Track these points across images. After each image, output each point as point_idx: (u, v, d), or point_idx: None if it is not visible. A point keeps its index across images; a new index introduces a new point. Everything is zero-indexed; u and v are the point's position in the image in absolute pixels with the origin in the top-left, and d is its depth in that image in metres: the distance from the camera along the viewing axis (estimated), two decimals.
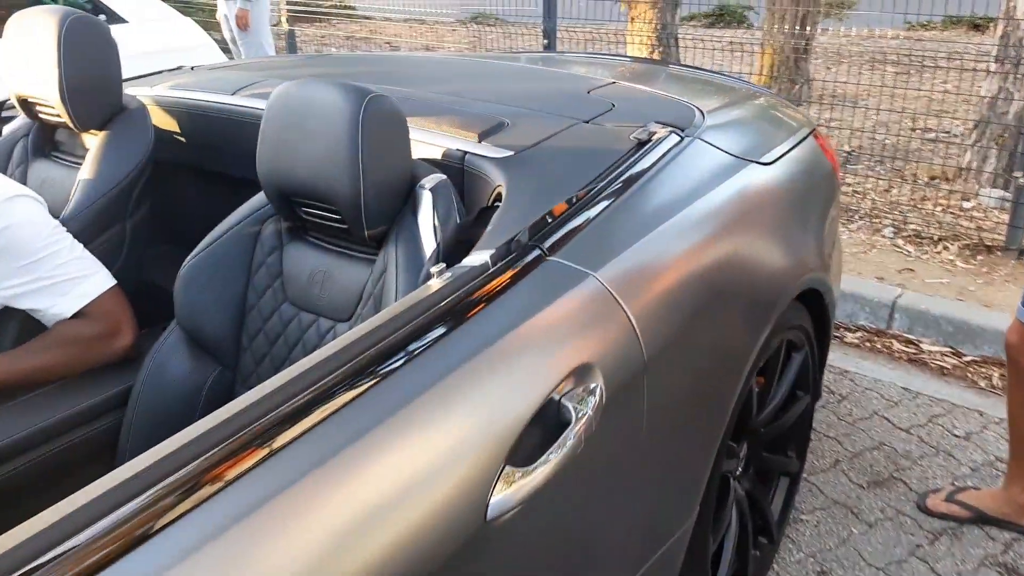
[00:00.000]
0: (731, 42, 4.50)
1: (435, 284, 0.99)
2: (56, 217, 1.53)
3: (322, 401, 0.84)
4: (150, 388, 1.40)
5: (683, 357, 1.24)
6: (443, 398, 0.89)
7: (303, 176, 1.26)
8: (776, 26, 4.94)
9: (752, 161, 1.55)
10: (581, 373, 1.03)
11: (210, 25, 5.59)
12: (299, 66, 2.33)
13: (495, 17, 8.71)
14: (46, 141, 1.82)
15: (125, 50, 3.21)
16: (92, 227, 1.57)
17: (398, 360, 0.90)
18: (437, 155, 1.43)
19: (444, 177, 1.29)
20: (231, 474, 0.75)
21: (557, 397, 0.99)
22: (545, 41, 4.58)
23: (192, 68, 2.33)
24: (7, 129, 1.86)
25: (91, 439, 1.40)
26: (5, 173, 1.79)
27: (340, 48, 8.14)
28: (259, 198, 1.42)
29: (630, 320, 1.11)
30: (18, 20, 1.64)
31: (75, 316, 1.45)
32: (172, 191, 1.93)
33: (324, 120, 1.22)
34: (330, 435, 0.82)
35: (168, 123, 1.89)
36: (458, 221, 1.25)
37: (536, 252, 1.10)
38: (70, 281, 1.45)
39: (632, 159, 1.36)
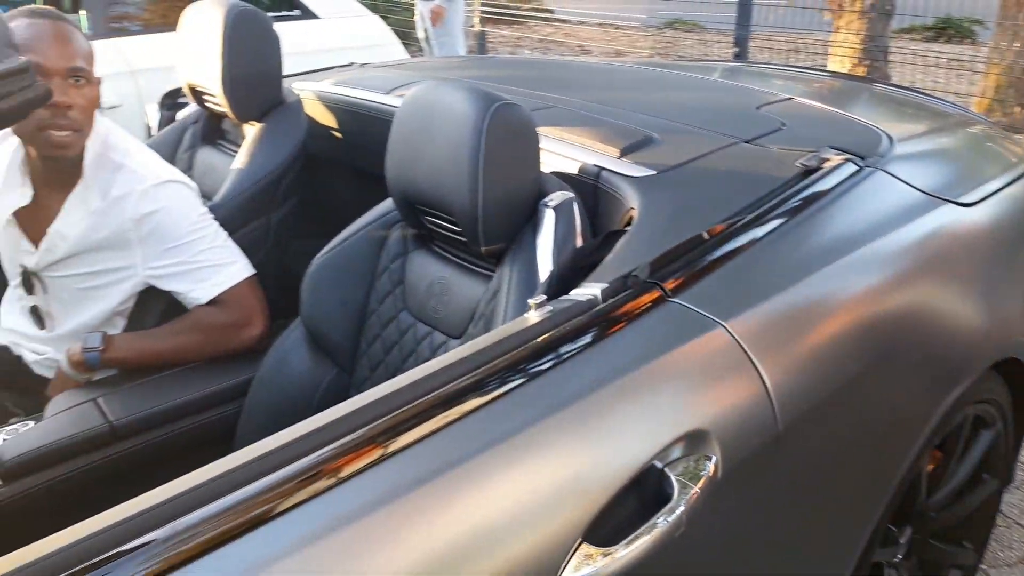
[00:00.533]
0: (949, 59, 4.01)
1: (532, 318, 0.88)
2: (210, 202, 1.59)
3: (393, 433, 0.76)
4: (269, 381, 1.41)
5: (831, 430, 1.05)
6: (519, 450, 0.78)
7: (425, 184, 1.20)
8: (1006, 43, 4.35)
9: (948, 200, 1.30)
10: (693, 440, 0.88)
11: (412, 24, 5.81)
12: (461, 67, 2.31)
13: (691, 23, 8.42)
14: (213, 129, 1.90)
15: (314, 45, 3.40)
16: (239, 217, 1.60)
17: (475, 399, 0.80)
18: (573, 170, 1.32)
19: (571, 195, 1.18)
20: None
21: (659, 465, 0.85)
22: (736, 50, 4.32)
23: (361, 65, 2.37)
24: (180, 115, 1.96)
25: (210, 424, 1.42)
26: (175, 157, 1.90)
27: (532, 51, 8.21)
28: (389, 202, 1.38)
29: (764, 382, 0.94)
30: (192, 11, 1.71)
31: (211, 303, 1.48)
32: (324, 185, 1.95)
33: (448, 126, 1.14)
34: (394, 471, 0.74)
35: (326, 118, 1.91)
36: (579, 244, 1.14)
37: (656, 291, 0.96)
38: (210, 268, 1.49)
39: (793, 189, 1.18)
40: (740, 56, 4.36)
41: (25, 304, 1.60)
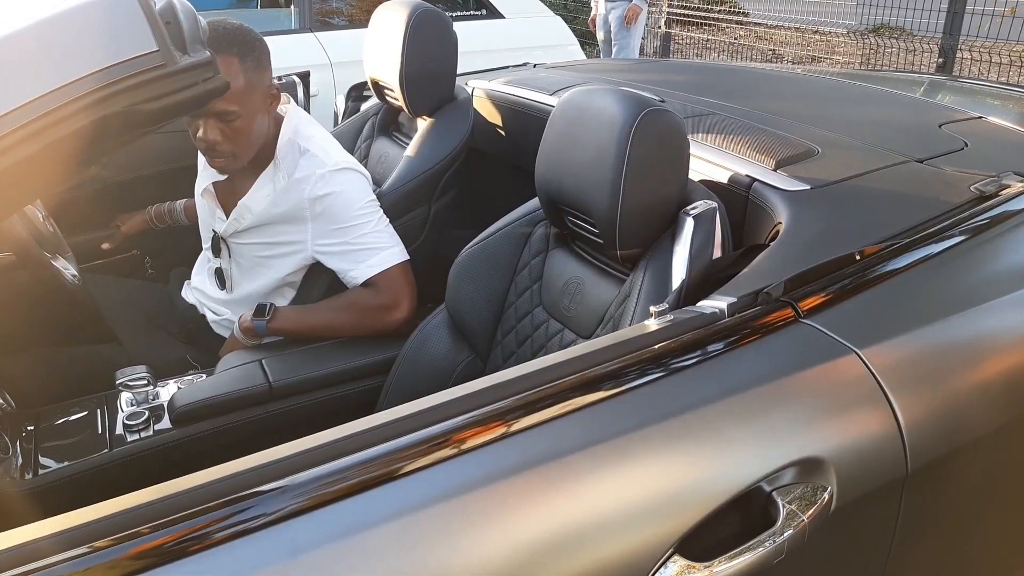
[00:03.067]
0: None
1: (651, 325, 0.88)
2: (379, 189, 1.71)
3: (511, 415, 0.80)
4: (411, 359, 1.49)
5: (966, 481, 0.96)
6: (620, 453, 0.79)
7: (570, 184, 1.22)
8: None
9: None
10: (808, 468, 0.84)
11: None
12: (630, 70, 2.30)
13: (898, 28, 7.85)
14: (390, 121, 2.03)
15: (497, 43, 3.51)
16: (402, 204, 1.71)
17: (583, 397, 0.82)
18: (724, 179, 1.29)
19: (714, 205, 1.16)
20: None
21: (767, 488, 0.82)
22: (940, 60, 3.97)
23: (534, 65, 2.43)
24: (364, 107, 2.11)
25: (356, 395, 1.53)
26: (355, 146, 2.04)
27: (720, 54, 7.98)
28: (536, 200, 1.41)
29: (896, 419, 0.89)
30: (382, 10, 1.84)
31: (366, 285, 1.60)
32: (483, 178, 2.03)
33: (596, 130, 1.16)
34: (508, 451, 0.78)
35: (492, 115, 1.98)
36: (716, 256, 1.11)
37: (788, 310, 0.92)
38: (369, 251, 1.60)
39: (962, 215, 1.09)
40: (943, 68, 4.01)
41: (212, 266, 1.80)
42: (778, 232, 1.12)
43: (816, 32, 8.04)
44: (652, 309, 0.89)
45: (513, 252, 1.43)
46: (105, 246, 2.10)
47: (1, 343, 1.58)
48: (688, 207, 1.16)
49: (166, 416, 1.42)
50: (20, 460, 1.32)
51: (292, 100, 1.72)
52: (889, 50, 6.19)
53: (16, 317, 1.59)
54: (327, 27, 3.26)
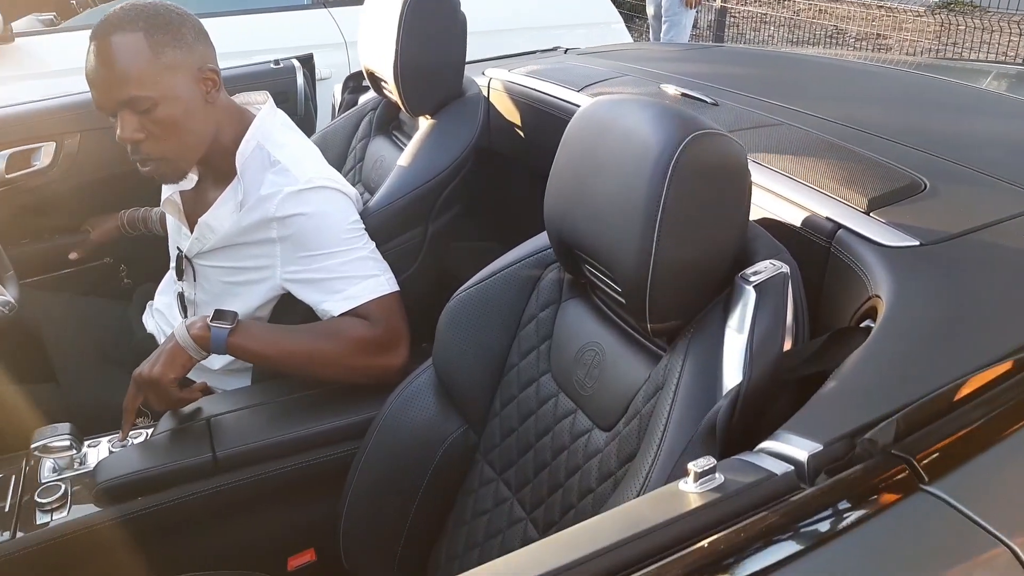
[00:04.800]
0: None
1: (690, 493, 0.57)
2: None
3: None
4: (390, 425, 1.20)
5: None
6: None
7: (585, 227, 0.91)
8: None
9: None
10: None
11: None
12: (677, 59, 1.94)
13: (970, 4, 7.26)
14: (390, 118, 1.73)
15: (527, 20, 3.17)
16: (390, 226, 1.40)
17: None
18: (796, 221, 0.96)
19: (784, 269, 0.83)
20: None
21: None
22: None
23: (566, 51, 2.09)
24: (363, 99, 1.81)
25: (317, 466, 1.25)
26: (350, 145, 1.75)
27: (779, 29, 7.47)
28: (545, 236, 1.10)
29: None
30: None
31: (354, 316, 1.30)
32: (497, 184, 1.72)
33: (623, 158, 0.84)
34: None
35: (509, 111, 1.67)
36: (787, 347, 0.79)
37: (902, 469, 0.60)
38: (345, 280, 1.30)
39: None
40: None
41: (177, 289, 1.53)
42: (875, 310, 0.79)
43: (881, 7, 7.49)
44: (692, 467, 0.57)
45: (517, 299, 1.13)
46: (73, 256, 1.85)
47: None
48: (747, 270, 0.84)
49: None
50: None
51: (270, 98, 1.43)
52: (960, 28, 5.65)
53: None
54: (342, 2, 2.94)
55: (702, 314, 0.85)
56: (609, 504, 0.84)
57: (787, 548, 0.54)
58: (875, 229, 0.89)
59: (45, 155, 1.90)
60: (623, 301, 0.90)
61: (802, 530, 0.55)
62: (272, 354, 1.27)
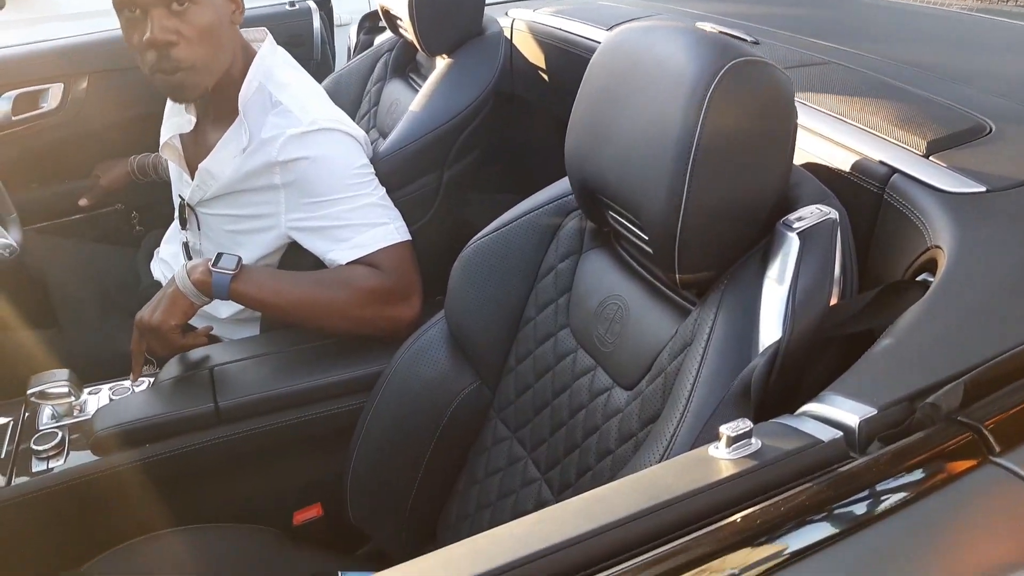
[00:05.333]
0: None
1: (721, 459, 0.50)
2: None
3: None
4: (399, 379, 1.14)
5: None
6: None
7: (611, 169, 0.83)
8: None
9: None
10: None
11: None
12: None
13: None
14: (407, 59, 1.64)
15: None
16: (403, 172, 1.32)
17: None
18: (845, 165, 0.87)
19: (834, 214, 0.74)
20: None
21: None
22: None
23: None
24: (379, 40, 1.72)
25: (323, 420, 1.20)
26: (364, 88, 1.67)
27: None
28: (567, 182, 1.02)
29: None
30: None
31: (363, 265, 1.24)
32: (518, 131, 1.63)
33: (654, 90, 0.75)
34: None
35: (533, 54, 1.57)
36: (833, 301, 0.71)
37: (967, 437, 0.52)
38: (353, 227, 1.23)
39: None
40: None
41: (181, 238, 1.47)
42: (934, 263, 0.71)
43: None
44: (724, 430, 0.50)
45: (536, 249, 1.05)
46: (83, 202, 1.80)
47: None
48: (790, 215, 0.75)
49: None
50: None
51: (269, 35, 1.35)
52: None
53: None
54: None
55: (737, 264, 0.77)
56: (629, 467, 0.77)
57: (833, 525, 0.47)
58: (935, 174, 0.80)
59: (53, 97, 1.84)
60: (649, 251, 0.82)
61: (851, 505, 0.48)
62: (277, 302, 1.21)
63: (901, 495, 0.49)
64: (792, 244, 0.72)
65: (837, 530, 0.46)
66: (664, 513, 0.45)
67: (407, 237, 1.27)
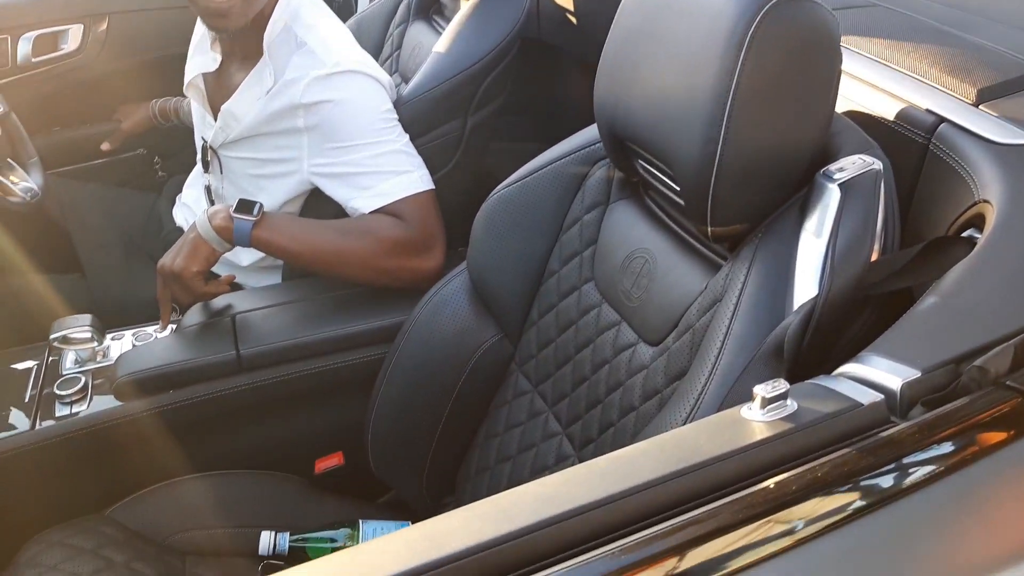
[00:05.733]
0: None
1: (755, 421, 0.47)
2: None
3: None
4: (419, 331, 1.13)
5: None
6: None
7: (641, 114, 0.79)
8: None
9: None
10: None
11: None
12: None
13: None
14: (431, 1, 1.59)
15: None
16: (426, 117, 1.29)
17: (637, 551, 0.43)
18: (888, 114, 0.83)
19: (878, 165, 0.71)
20: None
21: None
22: None
23: None
24: None
25: (344, 370, 1.19)
26: (387, 31, 1.62)
27: None
28: (595, 130, 0.98)
29: None
30: None
31: (385, 215, 1.22)
32: (544, 79, 1.58)
33: (690, 30, 0.71)
34: None
35: None
36: (874, 256, 0.67)
37: (1018, 405, 0.49)
38: (376, 175, 1.21)
39: None
40: None
41: (203, 182, 1.45)
42: (981, 218, 0.67)
43: None
44: (759, 392, 0.48)
45: (561, 199, 1.02)
46: (105, 146, 1.79)
47: None
48: (831, 166, 0.72)
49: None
50: None
51: None
52: None
53: None
54: None
55: (773, 217, 0.74)
56: (654, 425, 0.75)
57: (873, 493, 0.45)
58: (985, 124, 0.75)
59: (72, 38, 1.81)
60: (680, 202, 0.79)
61: (892, 473, 0.46)
62: (298, 250, 1.19)
63: (945, 462, 0.46)
64: (832, 196, 0.69)
65: (877, 498, 0.44)
66: (694, 476, 0.43)
67: (430, 186, 1.24)
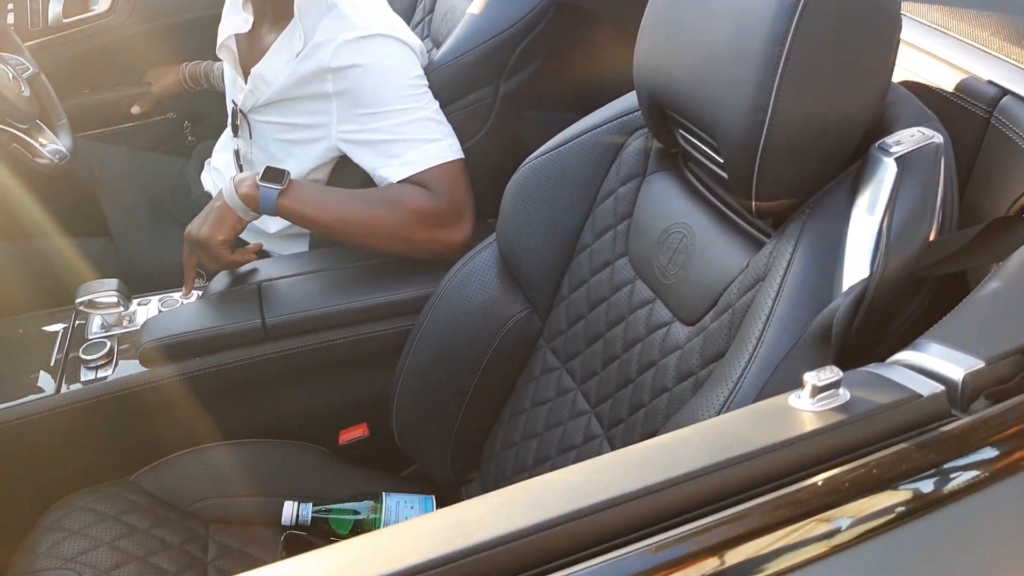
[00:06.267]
0: None
1: (804, 411, 0.44)
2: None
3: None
4: (446, 303, 1.10)
5: None
6: None
7: (684, 81, 0.75)
8: None
9: None
10: None
11: None
12: None
13: None
14: None
15: None
16: (457, 84, 1.25)
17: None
18: (947, 85, 0.78)
19: (938, 138, 0.66)
20: None
21: None
22: None
23: None
24: None
25: (370, 341, 1.17)
26: None
27: None
28: (633, 98, 0.94)
29: None
30: None
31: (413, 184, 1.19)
32: (586, 48, 1.54)
33: None
34: None
35: None
36: (932, 235, 0.63)
37: None
38: (405, 143, 1.18)
39: None
40: None
41: (233, 147, 1.44)
42: None
43: None
44: (809, 379, 0.44)
45: (594, 171, 0.98)
46: (135, 109, 1.78)
47: None
48: (887, 138, 0.67)
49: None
50: None
51: None
52: None
53: None
54: None
55: (822, 192, 0.70)
56: (688, 408, 0.72)
57: (933, 490, 0.41)
58: None
59: None
60: (724, 174, 0.75)
61: (954, 470, 0.42)
62: (325, 220, 1.17)
63: (1011, 459, 0.43)
64: (888, 170, 0.64)
65: (936, 498, 0.41)
66: (738, 469, 0.40)
67: (460, 155, 1.21)
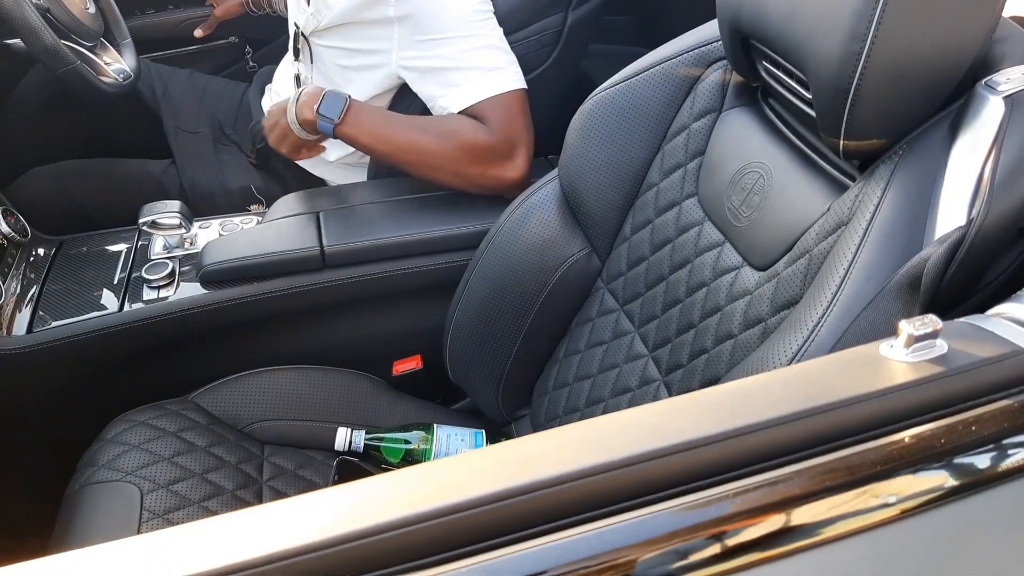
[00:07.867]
0: None
1: (897, 361, 0.41)
2: None
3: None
4: (504, 239, 1.08)
5: None
6: None
7: (771, 5, 0.70)
8: None
9: None
10: None
11: None
12: None
13: None
14: None
15: None
16: (523, 11, 1.20)
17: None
18: None
19: None
20: None
21: None
22: None
23: None
24: None
25: (428, 273, 1.16)
26: None
27: None
28: (713, 28, 0.89)
29: None
30: None
31: (470, 117, 1.16)
32: None
33: None
34: None
35: None
36: None
37: None
38: (467, 71, 1.14)
39: None
40: None
41: (293, 71, 1.42)
42: None
43: None
44: (905, 327, 0.41)
45: (666, 106, 0.94)
46: (198, 32, 1.77)
47: (21, 152, 1.32)
48: (994, 76, 0.62)
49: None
50: (11, 307, 1.08)
51: None
52: None
53: (44, 120, 1.32)
54: None
55: (918, 132, 0.65)
56: (757, 355, 0.69)
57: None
58: None
59: None
60: (809, 111, 0.71)
61: None
62: (380, 147, 1.16)
63: None
64: (996, 110, 0.59)
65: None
66: (824, 418, 0.38)
67: (522, 84, 1.17)
